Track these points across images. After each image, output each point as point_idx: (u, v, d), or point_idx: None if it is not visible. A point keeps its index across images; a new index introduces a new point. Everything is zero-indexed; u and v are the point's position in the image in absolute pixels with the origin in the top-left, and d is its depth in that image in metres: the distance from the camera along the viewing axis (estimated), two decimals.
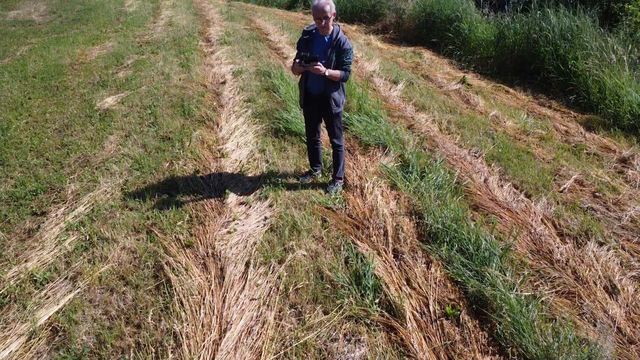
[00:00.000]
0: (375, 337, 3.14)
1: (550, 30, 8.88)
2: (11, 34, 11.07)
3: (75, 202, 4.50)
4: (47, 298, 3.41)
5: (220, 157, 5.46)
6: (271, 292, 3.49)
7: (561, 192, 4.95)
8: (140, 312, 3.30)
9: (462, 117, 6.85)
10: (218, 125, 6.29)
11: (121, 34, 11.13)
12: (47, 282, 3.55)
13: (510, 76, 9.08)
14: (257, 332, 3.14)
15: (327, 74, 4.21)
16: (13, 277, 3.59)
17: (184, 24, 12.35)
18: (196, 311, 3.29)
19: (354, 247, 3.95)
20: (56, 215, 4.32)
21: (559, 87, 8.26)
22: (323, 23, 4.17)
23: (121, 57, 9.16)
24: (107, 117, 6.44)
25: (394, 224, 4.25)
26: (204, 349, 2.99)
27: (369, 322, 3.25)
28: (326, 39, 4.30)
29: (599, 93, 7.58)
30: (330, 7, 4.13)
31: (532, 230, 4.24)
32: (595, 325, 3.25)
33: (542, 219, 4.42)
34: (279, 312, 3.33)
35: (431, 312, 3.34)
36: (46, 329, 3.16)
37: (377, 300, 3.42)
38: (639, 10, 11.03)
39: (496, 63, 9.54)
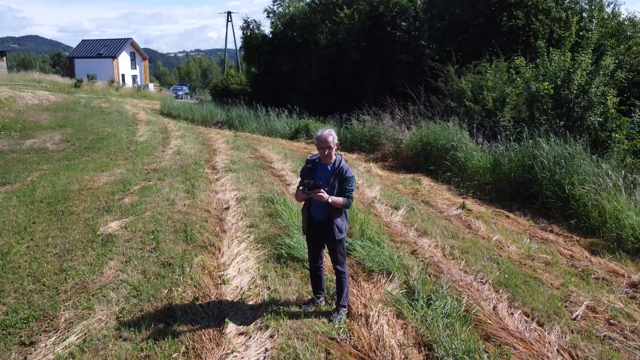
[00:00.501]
0: None
1: (544, 157, 9.24)
2: (25, 160, 11.52)
3: (68, 331, 4.30)
4: None
5: (220, 284, 5.33)
6: None
7: (574, 319, 4.75)
8: None
9: (465, 242, 6.83)
10: (220, 251, 6.24)
11: (130, 161, 11.57)
12: None
13: (509, 201, 9.25)
14: None
15: (330, 200, 4.30)
16: None
17: (191, 153, 12.89)
18: None
19: None
20: (45, 345, 4.10)
21: (559, 211, 8.37)
22: (326, 152, 4.36)
23: (128, 183, 9.42)
24: (109, 242, 6.43)
25: (402, 357, 4.01)
26: None
27: None
28: (329, 168, 4.46)
29: (600, 217, 7.66)
30: (333, 138, 4.35)
31: None
32: None
33: (557, 350, 4.18)
34: None
35: None
36: None
37: None
38: (625, 139, 11.63)
39: (494, 189, 9.79)
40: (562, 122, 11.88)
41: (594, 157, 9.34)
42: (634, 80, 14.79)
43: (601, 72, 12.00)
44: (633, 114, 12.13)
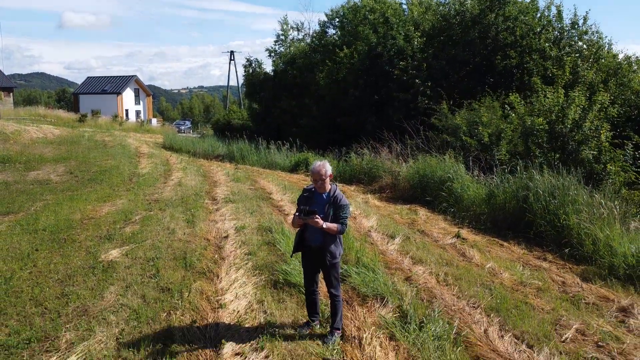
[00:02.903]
0: None
1: (539, 188, 9.45)
2: (29, 191, 11.74)
3: (68, 352, 4.41)
4: None
5: (218, 308, 5.46)
6: None
7: (563, 342, 4.86)
8: None
9: (459, 270, 6.96)
10: (218, 277, 6.38)
11: (132, 192, 11.79)
12: None
13: (504, 231, 9.41)
14: None
15: (324, 226, 4.52)
16: None
17: (192, 185, 13.12)
18: None
19: None
20: None
21: (553, 240, 8.52)
22: (319, 183, 4.64)
23: (130, 213, 9.60)
24: (110, 268, 6.57)
25: None
26: None
27: None
28: (324, 196, 4.71)
29: (593, 245, 7.81)
30: (326, 170, 4.63)
31: None
32: None
33: None
34: None
35: None
36: None
37: None
38: (622, 170, 11.88)
39: (489, 219, 9.95)
40: (557, 155, 12.15)
41: (588, 188, 9.56)
42: (627, 115, 15.19)
43: (595, 108, 12.37)
44: (625, 147, 12.43)
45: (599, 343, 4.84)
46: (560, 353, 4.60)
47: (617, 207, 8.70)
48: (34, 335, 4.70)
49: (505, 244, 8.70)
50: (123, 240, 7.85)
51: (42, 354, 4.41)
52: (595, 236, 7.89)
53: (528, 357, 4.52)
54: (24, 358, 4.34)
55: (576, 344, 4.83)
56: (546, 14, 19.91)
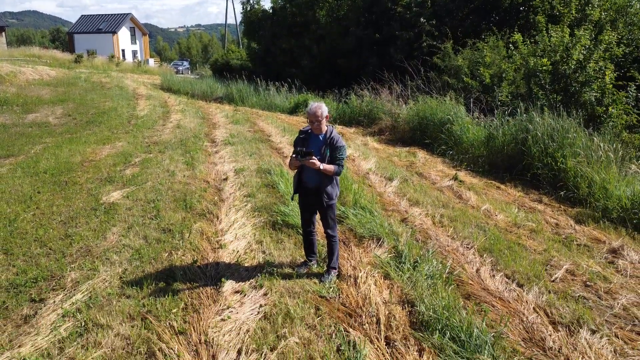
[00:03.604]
0: None
1: (538, 131, 9.41)
2: (27, 134, 11.73)
3: (74, 290, 4.58)
4: None
5: (218, 248, 5.60)
6: None
7: (553, 281, 5.02)
8: None
9: (455, 212, 7.07)
10: (218, 219, 6.50)
11: (131, 135, 11.77)
12: None
13: (501, 173, 9.47)
14: None
15: (321, 167, 4.54)
16: None
17: (191, 127, 13.07)
18: None
19: (347, 335, 3.96)
20: (54, 302, 4.39)
21: (549, 183, 8.59)
22: (315, 125, 4.61)
23: (129, 155, 9.64)
24: (111, 210, 6.69)
25: (387, 313, 4.29)
26: None
27: None
28: (321, 138, 4.69)
29: (588, 188, 7.88)
30: (322, 111, 4.59)
31: (525, 319, 4.26)
32: None
33: (534, 308, 4.45)
34: None
35: None
36: None
37: None
38: (624, 113, 11.77)
39: (487, 161, 9.99)
40: (559, 97, 11.99)
41: (588, 131, 9.52)
42: (633, 56, 14.85)
43: (600, 48, 12.08)
44: (628, 89, 12.25)
45: (587, 283, 5.00)
46: (549, 292, 4.77)
47: (616, 151, 8.71)
48: (40, 275, 4.86)
49: (502, 186, 8.78)
50: (123, 183, 7.93)
51: (49, 292, 4.58)
52: (591, 179, 7.95)
53: (518, 295, 4.68)
54: (32, 296, 4.51)
55: (565, 284, 4.99)
56: None
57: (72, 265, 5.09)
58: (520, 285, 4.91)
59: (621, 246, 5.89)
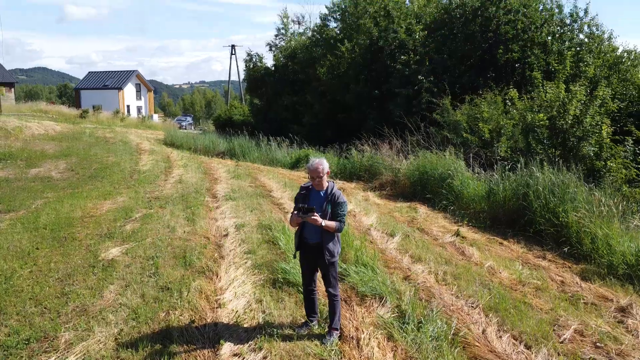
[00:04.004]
0: None
1: (539, 185, 9.42)
2: (30, 188, 11.77)
3: (67, 352, 4.44)
4: None
5: (217, 308, 5.48)
6: None
7: (561, 342, 4.86)
8: None
9: (458, 268, 6.97)
10: (217, 276, 6.39)
11: (133, 189, 11.80)
12: None
13: (504, 229, 9.40)
14: None
15: (323, 224, 4.51)
16: None
17: (193, 182, 13.13)
18: None
19: None
20: None
21: (552, 238, 8.51)
22: (316, 181, 4.63)
23: (130, 210, 9.62)
24: (110, 267, 6.59)
25: None
26: None
27: None
28: (322, 194, 4.69)
29: (592, 244, 7.80)
30: (323, 167, 4.61)
31: None
32: None
33: None
34: None
35: None
36: None
37: None
38: (623, 167, 11.85)
39: (489, 216, 9.95)
40: (558, 152, 12.12)
41: (589, 185, 9.54)
42: (628, 111, 15.13)
43: (596, 103, 12.32)
44: (626, 143, 12.39)
45: (597, 344, 4.85)
46: (558, 354, 4.61)
47: (617, 205, 8.69)
48: (33, 335, 4.73)
49: (505, 242, 8.70)
50: (123, 238, 7.87)
51: (40, 354, 4.43)
52: (594, 234, 7.88)
53: (526, 358, 4.53)
54: (23, 358, 4.36)
55: (574, 345, 4.83)
56: (548, 6, 19.82)
57: (67, 325, 4.96)
58: (528, 347, 4.76)
59: (630, 304, 5.75)
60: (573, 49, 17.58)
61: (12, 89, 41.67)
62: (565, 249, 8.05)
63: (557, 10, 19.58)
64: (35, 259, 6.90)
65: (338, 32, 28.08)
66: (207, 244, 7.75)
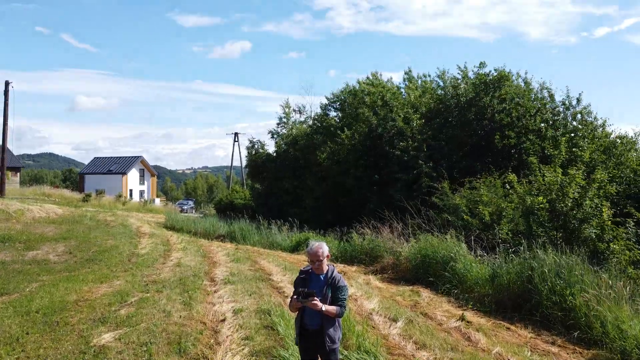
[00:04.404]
0: None
1: (544, 268, 9.28)
2: (25, 271, 11.58)
3: None
4: None
5: None
6: None
7: None
8: None
9: (465, 355, 6.68)
10: None
11: (130, 273, 11.61)
12: None
13: (509, 312, 9.14)
14: None
15: (323, 309, 4.40)
16: None
17: (191, 265, 12.95)
18: None
19: None
20: None
21: (560, 322, 8.26)
22: (316, 265, 4.59)
23: (126, 294, 9.40)
24: (101, 353, 6.32)
25: None
26: None
27: None
28: (322, 278, 4.63)
29: (602, 328, 7.55)
30: (323, 251, 4.59)
31: None
32: None
33: None
34: None
35: None
36: None
37: None
38: (626, 249, 11.74)
39: (493, 300, 9.71)
40: (559, 234, 12.08)
41: (593, 267, 9.40)
42: (626, 194, 15.29)
43: (594, 186, 12.49)
44: (627, 225, 12.38)
45: None
46: None
47: (625, 287, 8.51)
48: None
49: (512, 327, 8.41)
50: (117, 324, 7.61)
51: None
52: (603, 318, 7.65)
53: None
54: None
55: None
56: (539, 96, 20.70)
57: None
58: None
59: None
60: (567, 135, 18.13)
61: (18, 174, 42.47)
62: (575, 334, 7.77)
63: (549, 99, 20.44)
64: (24, 344, 6.63)
65: (338, 120, 29.15)
66: (203, 329, 7.49)
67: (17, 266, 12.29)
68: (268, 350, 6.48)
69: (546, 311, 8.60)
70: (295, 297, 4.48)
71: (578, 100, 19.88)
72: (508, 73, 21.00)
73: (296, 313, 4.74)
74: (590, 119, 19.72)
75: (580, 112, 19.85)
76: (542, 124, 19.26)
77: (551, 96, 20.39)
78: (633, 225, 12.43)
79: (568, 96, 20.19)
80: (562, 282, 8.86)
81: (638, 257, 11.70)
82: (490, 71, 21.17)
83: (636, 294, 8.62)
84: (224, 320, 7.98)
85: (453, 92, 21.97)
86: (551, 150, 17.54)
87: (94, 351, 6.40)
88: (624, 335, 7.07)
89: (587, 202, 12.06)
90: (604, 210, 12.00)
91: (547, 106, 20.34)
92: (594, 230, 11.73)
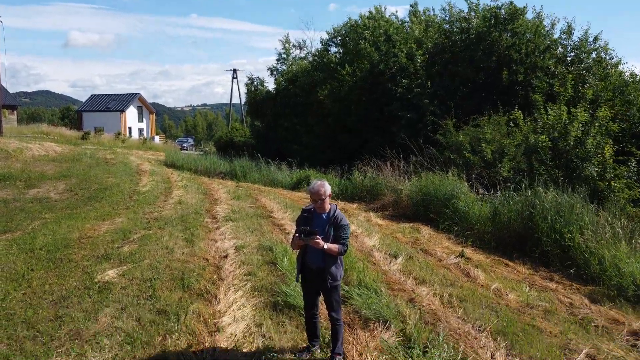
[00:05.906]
0: None
1: (545, 205, 9.28)
2: (27, 209, 11.63)
3: None
4: None
5: (215, 332, 5.29)
6: None
7: None
8: None
9: (464, 291, 6.78)
10: (216, 299, 6.22)
11: (132, 210, 11.66)
12: None
13: (509, 250, 9.24)
14: None
15: (325, 247, 4.38)
16: None
17: (192, 203, 13.00)
18: None
19: None
20: None
21: (558, 260, 8.35)
22: (318, 204, 4.52)
23: (128, 232, 9.47)
24: (105, 289, 6.42)
25: None
26: None
27: None
28: (324, 216, 4.58)
29: (599, 265, 7.64)
30: (325, 190, 4.50)
31: None
32: None
33: None
34: None
35: None
36: None
37: None
38: (627, 187, 11.73)
39: (494, 237, 9.79)
40: (560, 173, 12.03)
41: (592, 206, 9.40)
42: (631, 132, 15.08)
43: (597, 124, 12.28)
44: (629, 164, 12.30)
45: None
46: None
47: (624, 226, 8.54)
48: None
49: (511, 263, 8.52)
50: (120, 260, 7.70)
51: None
52: (601, 256, 7.72)
53: None
54: None
55: None
56: (550, 32, 19.91)
57: (59, 350, 4.78)
58: None
59: None
60: (574, 72, 17.61)
61: (15, 112, 41.96)
62: (572, 271, 7.87)
63: (564, 36, 19.67)
64: (30, 280, 6.73)
65: (339, 56, 28.29)
66: (206, 265, 7.58)
67: (19, 204, 12.33)
68: (270, 286, 6.57)
69: (545, 248, 8.68)
70: (297, 235, 4.46)
71: (595, 38, 19.13)
72: (524, 7, 20.06)
73: (298, 251, 4.73)
74: (607, 56, 19.05)
75: (596, 49, 19.15)
76: (551, 61, 18.66)
77: (569, 29, 19.54)
78: (635, 164, 12.36)
79: (586, 32, 19.36)
80: (562, 220, 8.88)
81: (637, 196, 11.72)
82: (503, 3, 20.18)
83: (635, 232, 8.66)
84: (226, 256, 8.07)
85: (462, 26, 21.10)
86: (558, 87, 17.12)
87: (99, 287, 6.50)
88: (620, 272, 7.16)
89: (589, 140, 11.92)
90: (606, 148, 11.88)
91: (561, 41, 19.64)
92: (595, 169, 11.67)
